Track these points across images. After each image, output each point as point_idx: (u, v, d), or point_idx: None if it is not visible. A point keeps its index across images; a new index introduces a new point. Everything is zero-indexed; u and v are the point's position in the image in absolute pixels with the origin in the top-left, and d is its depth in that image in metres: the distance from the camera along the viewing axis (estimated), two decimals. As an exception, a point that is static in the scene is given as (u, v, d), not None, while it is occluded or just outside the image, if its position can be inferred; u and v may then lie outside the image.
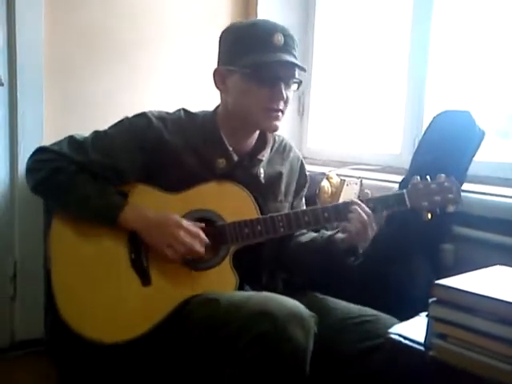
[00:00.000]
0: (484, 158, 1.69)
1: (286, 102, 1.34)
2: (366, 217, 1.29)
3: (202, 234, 1.29)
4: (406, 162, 1.81)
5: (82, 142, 1.37)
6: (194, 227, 1.29)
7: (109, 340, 1.25)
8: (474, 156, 1.60)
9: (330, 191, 1.89)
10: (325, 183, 1.90)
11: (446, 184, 1.37)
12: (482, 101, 1.80)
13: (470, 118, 1.60)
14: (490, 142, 1.64)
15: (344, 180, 1.89)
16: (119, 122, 1.40)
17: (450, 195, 1.36)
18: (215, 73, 1.37)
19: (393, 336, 1.04)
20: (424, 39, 1.97)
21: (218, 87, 1.38)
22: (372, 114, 2.24)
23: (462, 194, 1.54)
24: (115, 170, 1.34)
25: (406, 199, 1.34)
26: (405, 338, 1.02)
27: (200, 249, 1.28)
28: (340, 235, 1.34)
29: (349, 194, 1.86)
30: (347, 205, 1.33)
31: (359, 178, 1.91)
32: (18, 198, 1.93)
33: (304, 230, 1.47)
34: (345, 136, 2.36)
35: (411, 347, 0.99)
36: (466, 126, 1.60)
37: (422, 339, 0.99)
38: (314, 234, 1.45)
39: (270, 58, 1.28)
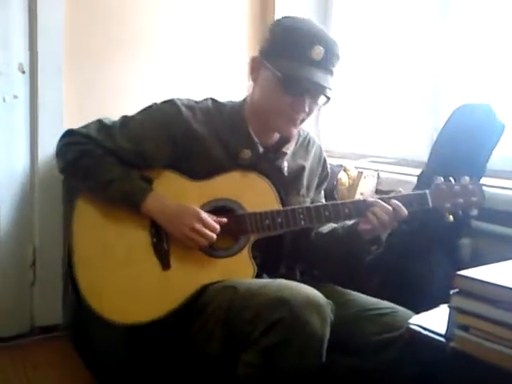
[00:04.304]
0: (504, 152, 1.68)
1: (308, 114, 1.34)
2: (391, 208, 1.29)
3: (218, 227, 1.29)
4: (423, 155, 1.81)
5: (110, 126, 1.37)
6: (212, 220, 1.29)
7: (128, 321, 1.27)
8: (493, 150, 1.59)
9: (347, 183, 1.89)
10: (342, 175, 1.90)
11: (469, 187, 1.34)
12: (503, 94, 1.78)
13: (491, 111, 1.58)
14: (510, 136, 1.63)
15: (361, 172, 1.89)
16: (148, 107, 1.40)
17: (473, 198, 1.34)
18: (253, 60, 1.36)
19: (412, 327, 1.04)
20: (442, 31, 1.95)
21: (250, 74, 1.37)
22: (389, 106, 2.23)
23: (481, 188, 1.53)
24: (142, 157, 1.35)
25: (429, 199, 1.32)
26: (425, 328, 1.02)
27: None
28: (363, 226, 1.32)
29: (366, 186, 1.86)
30: (367, 203, 1.32)
31: (376, 170, 1.91)
32: (38, 185, 1.95)
33: None
34: (362, 129, 2.35)
35: (431, 338, 0.99)
36: (486, 119, 1.59)
37: (441, 330, 0.99)
38: (334, 225, 1.44)
39: (302, 73, 1.26)
